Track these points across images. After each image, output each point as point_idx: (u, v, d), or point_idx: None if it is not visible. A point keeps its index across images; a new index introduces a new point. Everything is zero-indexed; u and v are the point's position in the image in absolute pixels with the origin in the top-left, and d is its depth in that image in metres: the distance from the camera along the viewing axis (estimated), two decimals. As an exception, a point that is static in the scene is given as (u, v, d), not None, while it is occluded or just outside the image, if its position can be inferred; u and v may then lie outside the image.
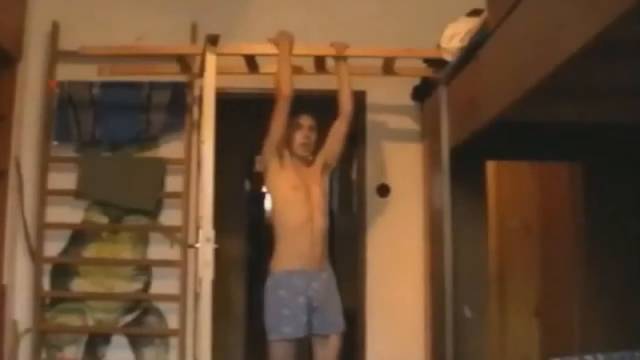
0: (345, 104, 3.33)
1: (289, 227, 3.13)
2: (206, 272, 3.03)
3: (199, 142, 3.95)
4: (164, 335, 3.77)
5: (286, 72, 3.15)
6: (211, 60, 3.21)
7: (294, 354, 3.06)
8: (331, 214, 6.17)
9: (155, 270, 3.83)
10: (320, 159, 3.36)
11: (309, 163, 3.34)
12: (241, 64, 3.54)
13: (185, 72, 3.70)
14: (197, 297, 3.86)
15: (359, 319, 3.89)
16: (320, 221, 3.16)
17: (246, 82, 3.71)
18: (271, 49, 3.30)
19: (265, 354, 3.08)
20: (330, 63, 3.56)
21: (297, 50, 3.29)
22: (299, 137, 3.26)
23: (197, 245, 3.10)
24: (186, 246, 3.74)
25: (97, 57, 3.74)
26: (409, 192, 3.93)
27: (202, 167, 3.15)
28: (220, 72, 3.22)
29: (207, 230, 3.06)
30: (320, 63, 3.58)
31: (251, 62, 3.55)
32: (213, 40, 3.19)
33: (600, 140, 3.20)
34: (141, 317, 3.78)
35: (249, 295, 5.41)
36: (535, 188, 3.98)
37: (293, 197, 3.15)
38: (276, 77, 3.18)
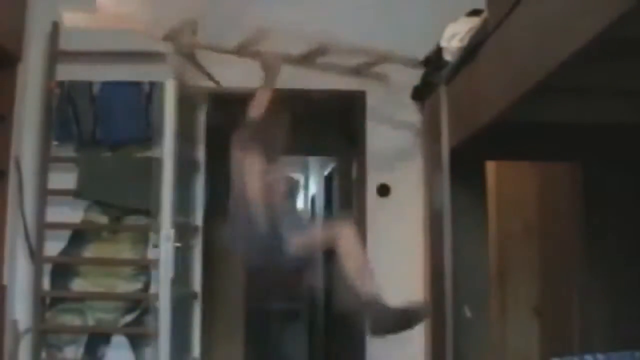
0: None
1: None
2: (166, 272, 3.17)
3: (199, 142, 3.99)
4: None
5: (263, 98, 3.11)
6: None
7: None
8: (331, 214, 6.21)
9: (155, 271, 3.82)
10: None
11: None
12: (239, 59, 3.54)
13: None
14: (196, 296, 3.87)
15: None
16: None
17: (248, 81, 3.70)
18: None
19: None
20: (322, 60, 3.56)
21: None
22: None
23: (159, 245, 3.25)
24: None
25: (97, 57, 3.76)
26: (409, 192, 3.93)
27: (164, 165, 3.29)
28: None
29: (166, 229, 3.20)
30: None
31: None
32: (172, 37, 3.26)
33: (600, 140, 3.20)
34: (141, 317, 3.78)
35: (248, 296, 5.40)
36: (535, 188, 3.98)
37: None
38: (255, 96, 3.12)
